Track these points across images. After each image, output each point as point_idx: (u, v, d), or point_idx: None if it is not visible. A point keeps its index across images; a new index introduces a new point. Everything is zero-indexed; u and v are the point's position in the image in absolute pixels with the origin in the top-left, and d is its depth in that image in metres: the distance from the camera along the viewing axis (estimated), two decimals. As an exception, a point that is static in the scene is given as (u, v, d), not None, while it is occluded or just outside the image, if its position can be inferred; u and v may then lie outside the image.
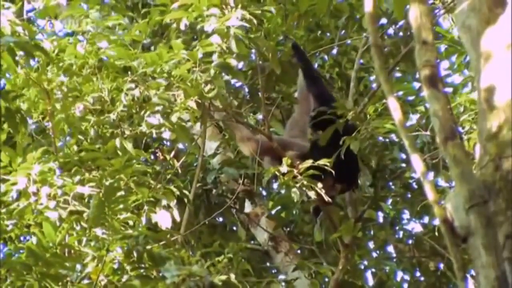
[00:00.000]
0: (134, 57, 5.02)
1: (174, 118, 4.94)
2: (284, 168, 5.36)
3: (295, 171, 5.38)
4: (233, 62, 5.02)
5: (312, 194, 5.43)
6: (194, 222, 6.20)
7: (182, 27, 5.13)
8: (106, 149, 4.80)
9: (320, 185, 5.44)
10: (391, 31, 7.00)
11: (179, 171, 6.05)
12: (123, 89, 4.94)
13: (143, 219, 4.90)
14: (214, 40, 4.99)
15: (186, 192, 5.49)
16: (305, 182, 5.36)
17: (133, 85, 4.95)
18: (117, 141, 4.94)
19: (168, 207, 5.03)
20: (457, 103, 5.92)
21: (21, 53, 4.72)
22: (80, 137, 5.25)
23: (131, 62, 4.98)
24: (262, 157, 5.97)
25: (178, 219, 5.17)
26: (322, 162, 5.35)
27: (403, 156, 6.56)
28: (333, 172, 5.45)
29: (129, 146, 4.94)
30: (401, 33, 6.90)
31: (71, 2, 5.95)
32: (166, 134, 5.20)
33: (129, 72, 4.99)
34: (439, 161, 6.14)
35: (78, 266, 4.48)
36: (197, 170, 5.77)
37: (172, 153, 6.22)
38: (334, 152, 5.54)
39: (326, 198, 5.49)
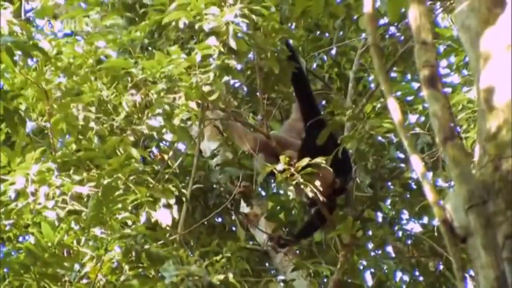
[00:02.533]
0: (133, 63, 5.01)
1: (176, 121, 4.94)
2: (280, 166, 5.37)
3: (292, 169, 5.39)
4: (232, 62, 5.00)
5: (310, 192, 5.44)
6: (191, 222, 6.19)
7: (181, 25, 5.12)
8: (105, 148, 4.80)
9: (318, 183, 5.45)
10: (391, 30, 7.02)
11: (177, 170, 6.04)
12: (124, 94, 4.94)
13: (143, 217, 4.88)
14: (212, 42, 4.99)
15: (184, 191, 5.49)
16: (301, 180, 5.36)
17: (134, 91, 4.95)
18: (121, 150, 4.94)
19: (168, 206, 5.03)
20: (455, 101, 5.92)
21: (20, 53, 4.72)
22: (79, 136, 5.23)
23: (130, 69, 4.97)
24: (259, 153, 5.98)
25: (177, 217, 5.16)
26: (319, 159, 5.36)
27: (402, 155, 6.57)
28: (332, 169, 5.50)
29: (134, 152, 4.94)
30: (398, 34, 6.91)
31: (69, 2, 5.94)
32: (168, 136, 5.19)
33: (129, 78, 4.99)
34: (437, 160, 6.15)
35: (77, 266, 4.48)
36: (193, 169, 5.76)
37: (170, 153, 6.21)
38: (328, 151, 5.57)
39: (322, 198, 5.51)
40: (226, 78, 5.08)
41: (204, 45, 4.98)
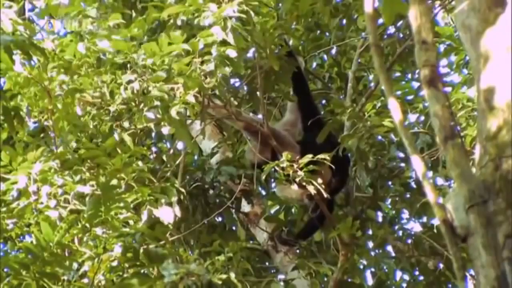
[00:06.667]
0: (134, 49, 4.97)
1: (173, 112, 4.88)
2: (282, 164, 5.37)
3: (295, 166, 5.39)
4: (231, 53, 4.96)
5: (311, 189, 5.45)
6: (191, 220, 6.19)
7: (179, 22, 5.10)
8: (106, 146, 4.79)
9: (320, 180, 5.47)
10: (389, 29, 7.02)
11: (174, 169, 6.04)
12: (122, 82, 4.91)
13: (144, 216, 4.87)
14: (214, 31, 4.95)
15: (182, 190, 5.49)
16: (304, 178, 5.37)
17: (132, 78, 4.90)
18: (116, 135, 4.91)
19: (170, 204, 5.02)
20: (454, 99, 5.93)
21: (19, 52, 4.72)
22: (79, 134, 5.22)
23: (131, 54, 4.93)
24: (251, 136, 5.99)
25: (179, 215, 5.16)
26: (321, 156, 5.37)
27: (402, 155, 6.57)
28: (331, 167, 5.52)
29: (127, 138, 4.91)
30: (397, 32, 6.91)
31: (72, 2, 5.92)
32: (165, 130, 5.15)
33: (128, 65, 4.95)
34: (437, 159, 6.15)
35: (76, 265, 4.48)
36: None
37: (171, 151, 6.22)
38: (326, 150, 5.58)
39: (325, 194, 5.52)
40: (226, 71, 5.03)
41: (207, 32, 4.96)
